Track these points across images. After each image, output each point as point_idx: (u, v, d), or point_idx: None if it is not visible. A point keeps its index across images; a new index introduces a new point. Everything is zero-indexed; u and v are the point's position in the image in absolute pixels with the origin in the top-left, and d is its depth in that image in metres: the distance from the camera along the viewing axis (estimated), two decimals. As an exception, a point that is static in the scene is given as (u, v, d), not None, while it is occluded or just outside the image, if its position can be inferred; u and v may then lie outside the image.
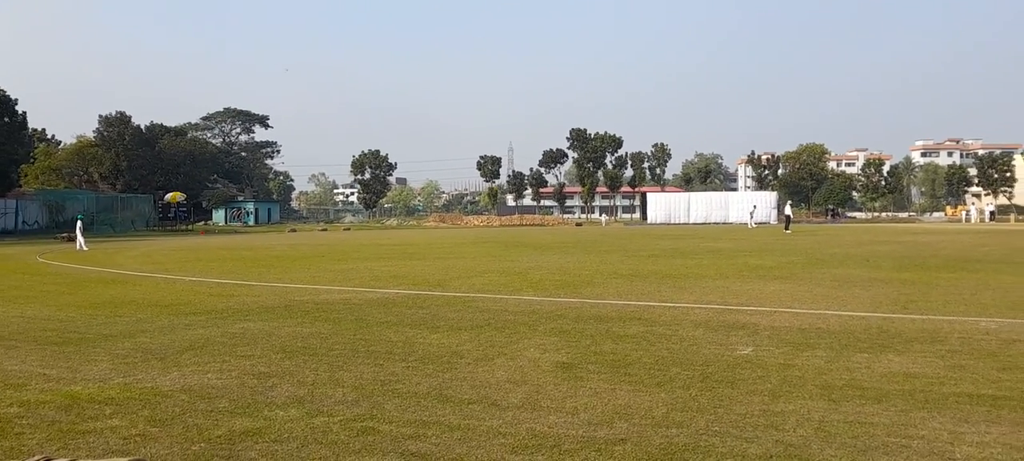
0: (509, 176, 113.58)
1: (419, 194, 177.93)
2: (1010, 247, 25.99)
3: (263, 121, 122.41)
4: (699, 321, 9.68)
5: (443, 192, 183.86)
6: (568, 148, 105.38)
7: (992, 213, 79.04)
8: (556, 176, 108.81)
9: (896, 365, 7.01)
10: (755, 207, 67.66)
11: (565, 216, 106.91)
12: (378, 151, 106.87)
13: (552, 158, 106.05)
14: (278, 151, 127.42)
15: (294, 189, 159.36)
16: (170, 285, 15.76)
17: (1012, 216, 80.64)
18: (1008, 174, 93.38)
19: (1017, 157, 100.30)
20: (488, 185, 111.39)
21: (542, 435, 5.10)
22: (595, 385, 6.41)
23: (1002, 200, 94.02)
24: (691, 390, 6.19)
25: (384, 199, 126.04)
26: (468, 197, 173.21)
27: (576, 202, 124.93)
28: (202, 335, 9.13)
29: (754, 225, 61.07)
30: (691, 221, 75.94)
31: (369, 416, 5.58)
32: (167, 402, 6.03)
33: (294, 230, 71.12)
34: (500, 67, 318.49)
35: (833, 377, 6.57)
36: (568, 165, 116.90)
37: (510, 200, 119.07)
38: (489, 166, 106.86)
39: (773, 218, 73.22)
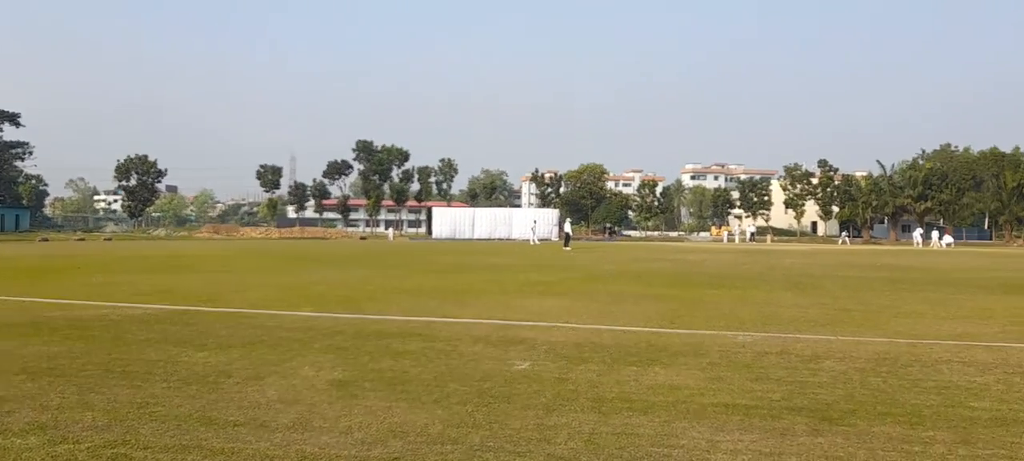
0: (291, 187, 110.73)
1: (191, 203, 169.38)
2: (766, 265, 28.42)
3: (14, 119, 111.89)
4: (479, 336, 9.82)
5: (218, 202, 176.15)
6: (353, 160, 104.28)
7: (752, 234, 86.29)
8: (340, 188, 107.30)
9: (662, 377, 7.43)
10: (536, 222, 69.83)
11: (349, 229, 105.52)
12: (146, 156, 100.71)
13: (336, 169, 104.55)
14: (31, 153, 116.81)
15: (49, 195, 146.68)
16: None
17: (769, 237, 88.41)
18: (766, 198, 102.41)
19: (774, 182, 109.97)
20: (268, 195, 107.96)
21: (313, 457, 4.96)
22: (371, 403, 6.33)
23: (760, 222, 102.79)
24: (468, 406, 6.25)
25: (152, 208, 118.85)
26: (245, 208, 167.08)
27: (361, 215, 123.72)
28: (-75, 356, 8.16)
29: (536, 241, 63.04)
30: (476, 236, 77.26)
31: (122, 442, 5.20)
32: None
33: (46, 239, 65.50)
34: (283, 75, 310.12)
35: (604, 390, 6.87)
36: (353, 177, 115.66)
37: (291, 212, 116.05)
38: (269, 176, 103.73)
39: (554, 235, 75.86)
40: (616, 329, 10.71)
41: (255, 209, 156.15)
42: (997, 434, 5.63)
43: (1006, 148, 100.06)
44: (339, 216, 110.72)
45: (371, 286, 17.46)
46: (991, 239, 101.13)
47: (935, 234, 70.48)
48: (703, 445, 5.30)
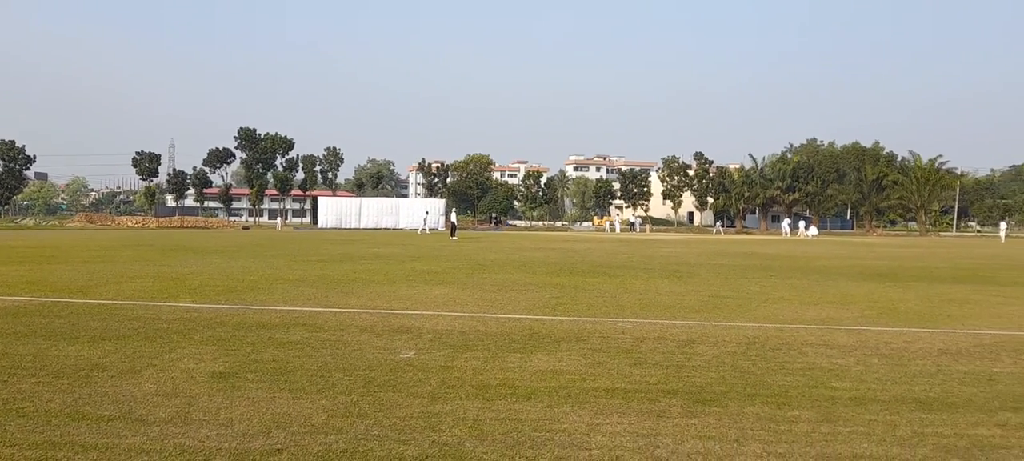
0: (169, 175, 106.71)
1: (63, 191, 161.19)
2: (644, 255, 29.15)
3: None
4: (364, 326, 9.72)
5: (92, 190, 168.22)
6: (236, 148, 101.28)
7: (632, 224, 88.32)
8: (222, 177, 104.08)
9: (545, 364, 7.54)
10: (428, 213, 69.56)
11: (232, 219, 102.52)
12: (13, 142, 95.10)
13: (218, 158, 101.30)
14: None
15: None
16: None
17: (648, 227, 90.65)
18: (646, 189, 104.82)
19: (653, 174, 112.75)
20: (145, 184, 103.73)
21: (191, 450, 4.81)
22: (253, 394, 6.19)
23: (640, 212, 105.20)
24: (353, 395, 6.18)
25: (20, 196, 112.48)
26: (121, 196, 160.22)
27: (244, 204, 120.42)
28: None
29: (428, 230, 62.79)
30: (363, 226, 76.33)
31: (-16, 441, 4.92)
32: None
33: (-100, 228, 61.17)
34: (163, 62, 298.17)
35: (489, 377, 6.91)
36: (235, 166, 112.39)
37: (170, 201, 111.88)
38: (147, 163, 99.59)
39: (441, 225, 75.71)
40: (501, 317, 10.79)
41: (131, 198, 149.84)
42: (856, 412, 5.95)
43: (867, 143, 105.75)
44: (221, 205, 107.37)
45: (254, 276, 17.03)
46: (853, 229, 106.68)
47: (801, 224, 73.69)
48: (583, 429, 5.40)
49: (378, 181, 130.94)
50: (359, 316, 10.67)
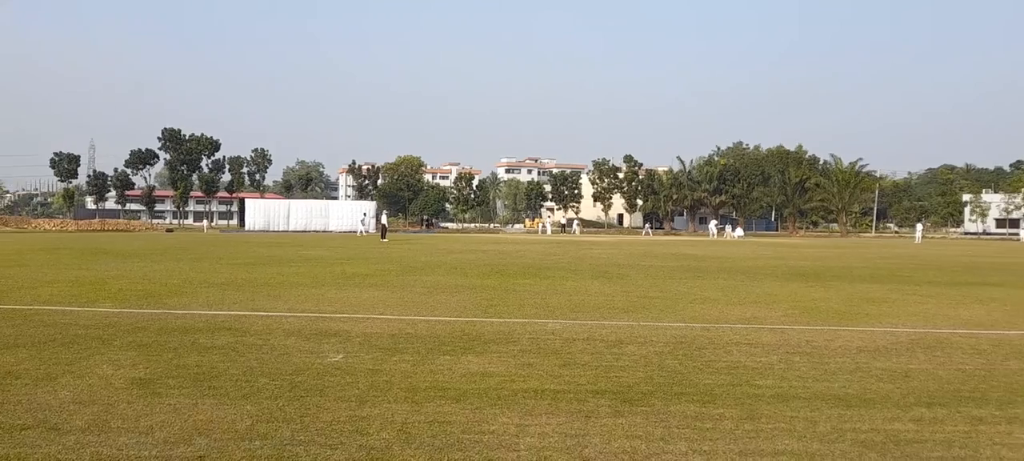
0: (90, 176, 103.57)
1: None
2: (574, 256, 29.38)
3: None
4: (292, 330, 9.58)
5: (7, 192, 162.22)
6: (159, 149, 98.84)
7: (563, 226, 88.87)
8: (145, 178, 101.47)
9: (475, 365, 7.53)
10: (366, 215, 68.85)
11: (155, 221, 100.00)
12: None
13: (141, 159, 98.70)
14: None
15: None
16: None
17: (578, 229, 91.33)
18: (577, 191, 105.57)
19: (584, 176, 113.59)
20: (64, 185, 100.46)
21: (110, 459, 4.67)
22: (175, 401, 6.04)
23: (571, 214, 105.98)
24: (279, 400, 6.08)
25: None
26: (38, 198, 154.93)
27: (168, 206, 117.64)
28: None
29: (366, 232, 62.20)
30: (291, 229, 75.20)
31: None
32: None
33: None
34: (86, 58, 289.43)
35: (418, 380, 6.87)
36: (159, 167, 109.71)
37: (90, 203, 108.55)
38: (65, 164, 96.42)
39: (373, 227, 75.09)
40: (431, 319, 10.75)
41: (49, 200, 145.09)
42: (778, 409, 6.09)
43: (791, 146, 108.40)
44: (144, 208, 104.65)
45: (177, 279, 16.64)
46: (777, 230, 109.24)
47: (728, 226, 75.23)
48: (512, 430, 5.41)
49: (307, 183, 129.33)
50: (286, 320, 10.52)
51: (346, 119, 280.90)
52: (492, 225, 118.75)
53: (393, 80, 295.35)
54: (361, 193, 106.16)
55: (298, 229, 74.90)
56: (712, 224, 77.83)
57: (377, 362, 7.63)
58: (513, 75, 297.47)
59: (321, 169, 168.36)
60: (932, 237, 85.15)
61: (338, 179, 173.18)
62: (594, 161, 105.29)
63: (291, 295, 13.74)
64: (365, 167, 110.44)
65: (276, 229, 74.99)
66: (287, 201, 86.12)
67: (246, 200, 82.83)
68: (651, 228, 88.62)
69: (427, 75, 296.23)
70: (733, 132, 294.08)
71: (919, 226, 72.74)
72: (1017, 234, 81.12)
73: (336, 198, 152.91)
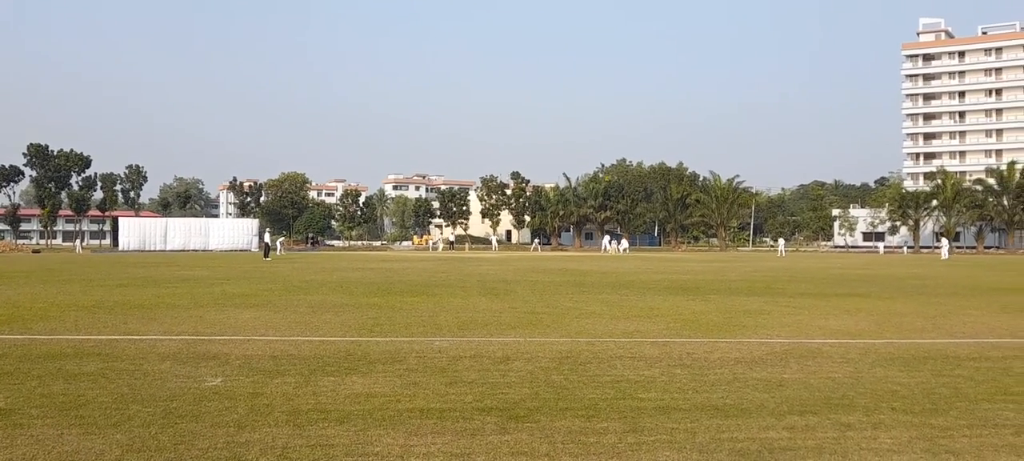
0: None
1: None
2: (462, 273, 29.38)
3: None
4: (167, 353, 9.22)
5: None
6: (25, 165, 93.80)
7: (451, 243, 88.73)
8: (9, 196, 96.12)
9: (359, 386, 7.41)
10: (268, 231, 66.91)
11: (21, 242, 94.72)
12: None
13: (4, 176, 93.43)
14: None
15: None
16: None
17: (467, 245, 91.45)
18: (465, 208, 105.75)
19: (472, 193, 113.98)
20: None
21: (-38, 498, 4.37)
22: (39, 431, 5.71)
23: (459, 231, 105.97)
24: (152, 428, 5.83)
25: None
26: None
27: (34, 226, 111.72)
28: None
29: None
30: (169, 248, 72.51)
31: None
32: None
33: None
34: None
35: (300, 402, 6.72)
36: (25, 184, 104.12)
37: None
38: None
39: (254, 246, 73.31)
40: (315, 340, 10.55)
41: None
42: (660, 421, 6.22)
43: (672, 163, 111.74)
44: (8, 227, 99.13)
45: (43, 303, 15.79)
46: (659, 245, 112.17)
47: (613, 241, 76.48)
48: (397, 451, 5.34)
49: (186, 200, 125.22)
50: (161, 343, 10.12)
51: (227, 134, 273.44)
52: (380, 243, 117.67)
53: (278, 94, 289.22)
54: (243, 211, 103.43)
55: (176, 249, 72.28)
56: (606, 239, 78.64)
57: (258, 385, 7.42)
58: (401, 92, 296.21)
59: (201, 186, 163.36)
60: (804, 250, 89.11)
61: (218, 196, 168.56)
62: (482, 178, 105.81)
63: (167, 317, 13.23)
64: (247, 183, 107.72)
65: (152, 249, 72.12)
66: (164, 219, 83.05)
67: (120, 219, 79.41)
68: (539, 244, 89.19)
69: (313, 90, 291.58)
70: (617, 149, 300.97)
71: (781, 241, 75.91)
72: (877, 247, 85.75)
73: (217, 216, 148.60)
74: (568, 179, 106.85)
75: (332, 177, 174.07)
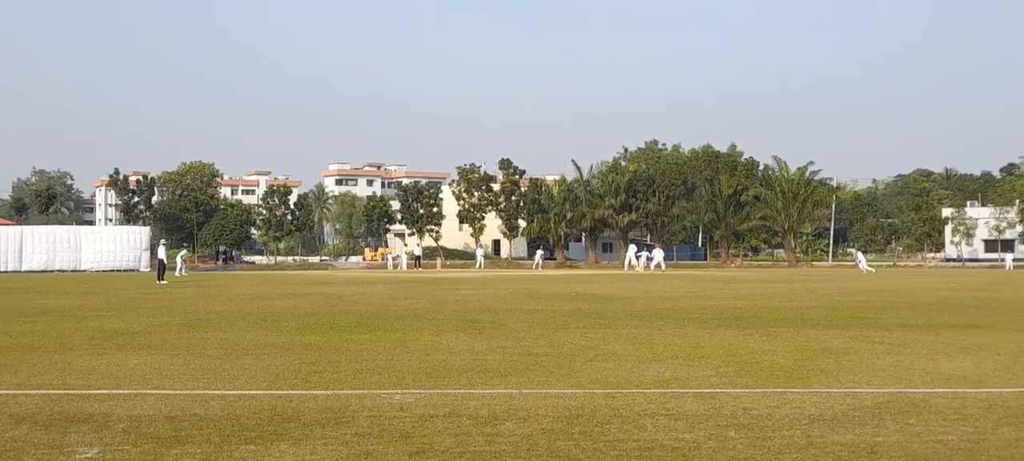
0: None
1: None
2: (434, 300, 29.38)
3: None
4: (23, 414, 9.21)
5: None
6: None
7: (418, 258, 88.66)
8: None
9: (290, 458, 7.40)
10: (163, 244, 66.89)
11: None
12: None
13: None
14: None
15: None
16: None
17: (439, 261, 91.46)
18: (436, 209, 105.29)
19: (446, 189, 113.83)
20: None
21: None
22: None
23: (429, 241, 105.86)
24: (1, 520, 5.82)
25: None
26: None
27: None
28: None
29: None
30: (26, 268, 72.42)
31: None
32: None
33: None
34: None
35: (209, 482, 6.70)
36: None
37: None
38: None
39: (144, 263, 73.31)
40: (229, 394, 10.53)
41: None
42: (706, 503, 6.22)
43: (721, 146, 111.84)
44: None
45: None
46: (705, 258, 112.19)
47: (638, 252, 75.65)
48: (343, 548, 5.34)
49: (49, 202, 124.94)
50: (15, 399, 10.12)
51: (105, 111, 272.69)
52: (319, 258, 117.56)
53: (175, 54, 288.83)
54: (129, 215, 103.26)
55: (37, 268, 72.23)
56: (630, 250, 76.99)
57: (149, 457, 7.41)
58: (346, 52, 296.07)
59: (69, 181, 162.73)
60: (904, 265, 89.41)
61: (95, 195, 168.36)
62: (459, 168, 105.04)
63: (23, 364, 13.21)
64: (134, 178, 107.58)
65: (7, 269, 72.05)
66: (18, 228, 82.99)
67: (-45, 229, 79.26)
68: (543, 258, 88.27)
69: (223, 49, 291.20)
70: (646, 128, 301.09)
71: (860, 255, 76.06)
72: (1004, 260, 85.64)
73: (93, 222, 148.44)
74: (578, 169, 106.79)
75: (252, 169, 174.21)
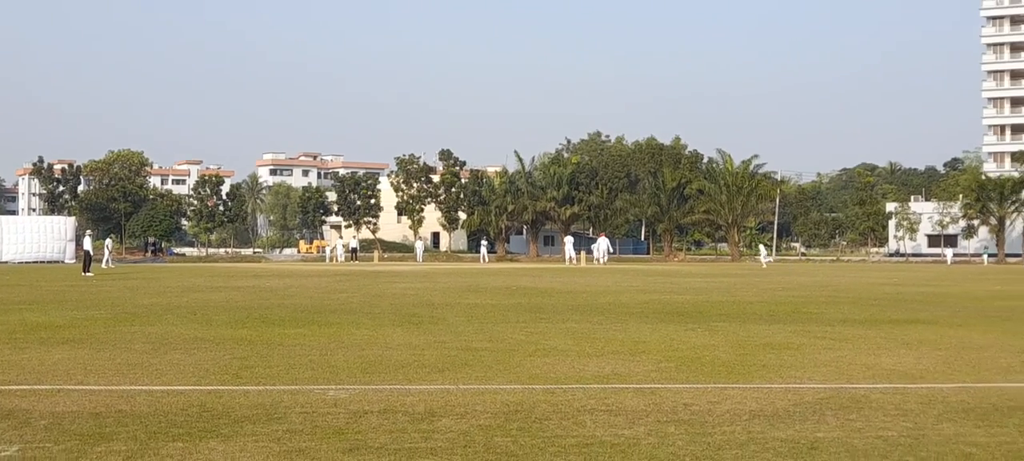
0: None
1: None
2: (370, 293, 29.30)
3: None
4: (-61, 411, 9.06)
5: None
6: None
7: (354, 250, 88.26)
8: None
9: (219, 455, 7.34)
10: (89, 234, 65.92)
11: None
12: None
13: None
14: None
15: None
16: None
17: (377, 254, 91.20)
18: (374, 200, 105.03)
19: (384, 180, 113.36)
20: None
21: None
22: None
23: (366, 233, 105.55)
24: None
25: None
26: None
27: None
28: None
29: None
30: (-58, 260, 71.15)
31: None
32: None
33: None
34: None
35: (134, 480, 6.64)
36: None
37: None
38: None
39: (69, 255, 72.29)
40: (156, 389, 10.44)
41: None
42: (645, 500, 6.27)
43: (665, 139, 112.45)
44: None
45: None
46: (648, 252, 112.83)
47: (575, 245, 75.85)
48: (273, 548, 5.32)
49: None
50: (-69, 396, 9.93)
51: (26, 93, 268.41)
52: (252, 250, 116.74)
53: (101, 34, 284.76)
54: (53, 204, 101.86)
55: (-47, 260, 70.94)
56: (568, 243, 77.03)
57: (72, 455, 7.32)
58: (281, 35, 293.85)
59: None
60: (850, 260, 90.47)
61: (17, 184, 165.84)
62: (398, 159, 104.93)
63: (-60, 359, 13.00)
64: (58, 166, 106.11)
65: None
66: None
67: None
68: (487, 252, 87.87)
69: (152, 29, 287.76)
70: (589, 120, 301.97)
71: (763, 249, 76.89)
72: (945, 255, 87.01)
73: (15, 212, 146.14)
74: (520, 161, 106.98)
75: (183, 158, 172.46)
